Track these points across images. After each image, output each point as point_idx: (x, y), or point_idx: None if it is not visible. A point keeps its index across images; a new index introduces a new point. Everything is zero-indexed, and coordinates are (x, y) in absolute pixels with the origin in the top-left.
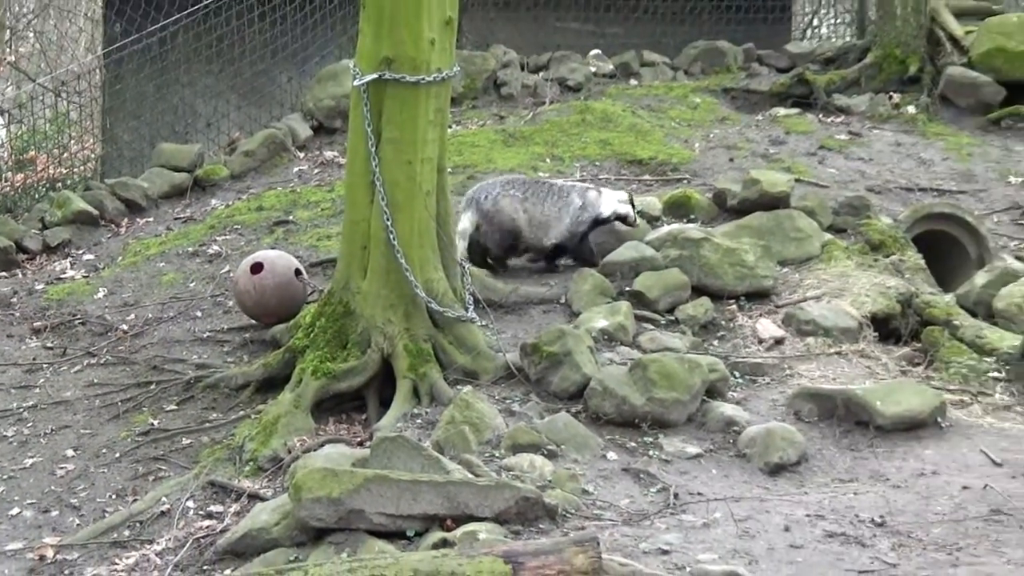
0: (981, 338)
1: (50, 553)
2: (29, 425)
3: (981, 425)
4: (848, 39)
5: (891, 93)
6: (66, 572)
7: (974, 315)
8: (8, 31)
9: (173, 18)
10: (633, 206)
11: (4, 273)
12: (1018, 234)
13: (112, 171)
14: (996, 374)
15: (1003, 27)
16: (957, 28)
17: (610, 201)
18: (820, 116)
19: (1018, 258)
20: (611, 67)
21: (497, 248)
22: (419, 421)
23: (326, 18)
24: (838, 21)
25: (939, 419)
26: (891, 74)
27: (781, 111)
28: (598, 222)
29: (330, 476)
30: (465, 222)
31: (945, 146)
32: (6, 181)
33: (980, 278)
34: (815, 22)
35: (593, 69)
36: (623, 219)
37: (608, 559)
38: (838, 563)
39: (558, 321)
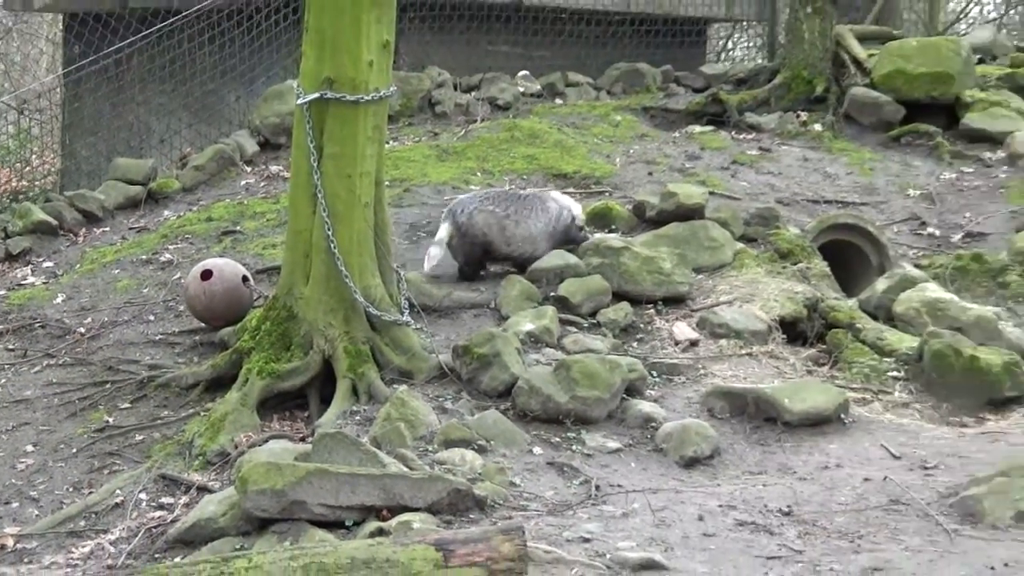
0: (881, 340)
1: (10, 542)
2: None
3: (881, 421)
4: (759, 61)
5: (799, 112)
6: (25, 560)
7: (875, 319)
8: None
9: (128, 41)
10: (578, 226)
11: None
12: (916, 243)
13: (71, 184)
14: (895, 374)
15: (903, 51)
16: (860, 51)
17: (576, 205)
18: (733, 133)
19: (916, 266)
20: (538, 87)
21: (465, 259)
22: (357, 418)
23: (272, 41)
24: (750, 45)
25: (842, 416)
26: (799, 94)
27: (696, 128)
28: (575, 222)
29: (274, 469)
30: (442, 232)
31: (849, 161)
32: None
33: (881, 284)
34: (728, 45)
35: (521, 89)
36: (581, 228)
37: (533, 547)
38: (748, 550)
39: (488, 325)
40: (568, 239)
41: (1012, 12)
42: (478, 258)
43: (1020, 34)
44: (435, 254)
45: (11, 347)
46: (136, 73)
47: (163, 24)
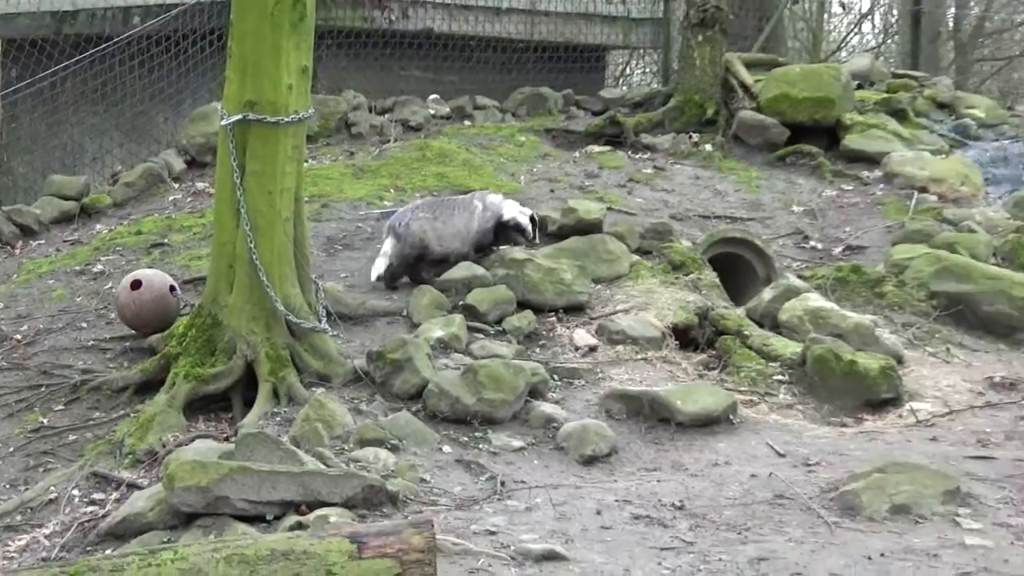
0: (767, 346)
1: None
2: None
3: (767, 421)
4: (654, 86)
5: (691, 133)
6: None
7: (761, 326)
8: None
9: (63, 65)
10: (535, 225)
11: None
12: (800, 256)
13: (8, 199)
14: (780, 377)
15: (787, 77)
16: (748, 77)
17: (512, 207)
18: (629, 153)
19: (800, 277)
20: (448, 110)
21: (408, 266)
22: (278, 419)
23: (198, 66)
24: (646, 70)
25: (731, 416)
26: (691, 116)
27: (595, 148)
28: (501, 223)
29: (199, 467)
30: (386, 246)
31: (737, 179)
32: None
33: (767, 294)
34: (626, 71)
35: (432, 111)
36: (521, 230)
37: (442, 539)
38: (643, 541)
39: (400, 331)
40: (499, 237)
41: (889, 41)
42: (419, 262)
43: (896, 62)
44: (380, 265)
45: None
46: (70, 95)
47: (96, 50)
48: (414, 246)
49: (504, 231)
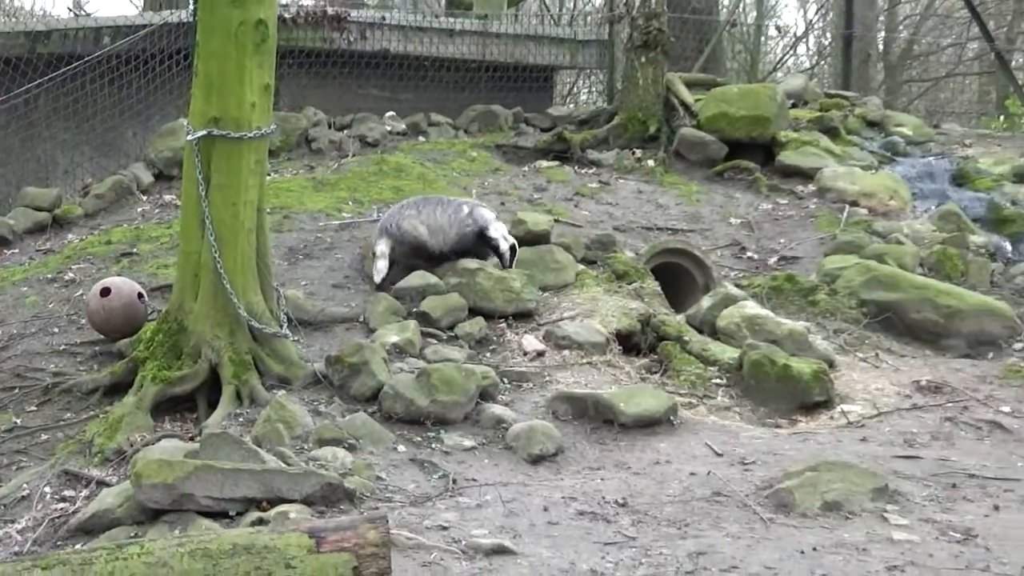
0: (706, 351)
1: None
2: None
3: (706, 423)
4: (600, 104)
5: (634, 149)
6: None
7: (700, 332)
8: None
9: (36, 83)
10: (513, 253)
11: None
12: (737, 265)
13: None
14: (718, 380)
15: (726, 96)
16: (688, 96)
17: (500, 228)
18: (576, 168)
19: (737, 285)
20: (403, 126)
21: (406, 260)
22: (241, 420)
23: (165, 84)
24: (592, 89)
25: (671, 418)
26: (634, 133)
27: (544, 164)
28: (483, 235)
29: (165, 465)
30: (382, 246)
31: (678, 193)
32: None
33: (706, 302)
34: (573, 90)
35: (388, 128)
36: (499, 253)
37: (396, 534)
38: (588, 536)
39: (357, 336)
40: (482, 245)
41: (822, 63)
42: (415, 254)
43: (829, 82)
44: (382, 267)
45: None
46: (43, 111)
47: (67, 68)
48: (410, 243)
49: (484, 245)
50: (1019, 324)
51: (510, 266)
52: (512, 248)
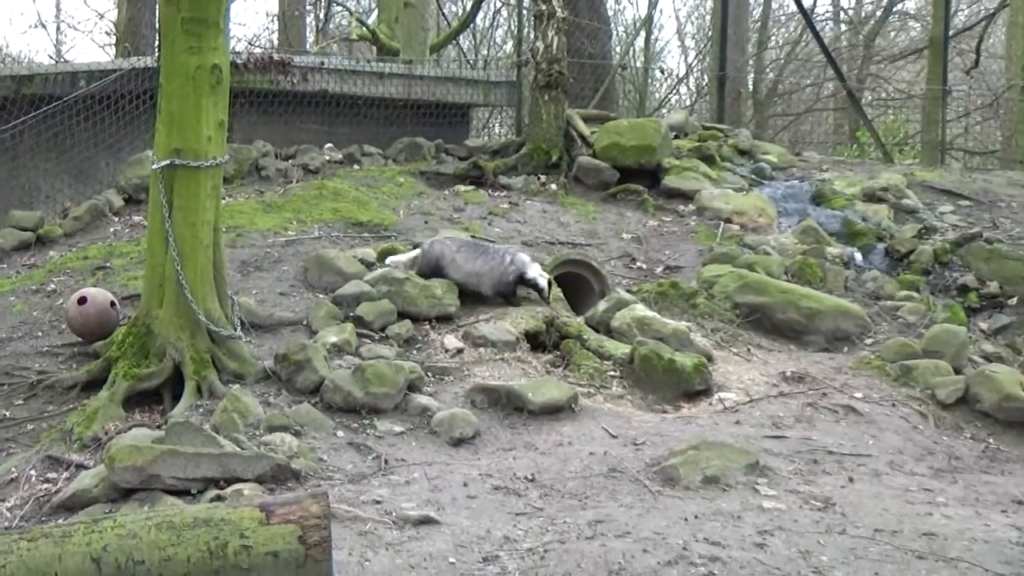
0: (602, 347)
1: None
2: None
3: (602, 409)
4: (509, 136)
5: (539, 175)
6: None
7: (597, 331)
8: None
9: (21, 120)
10: (549, 286)
11: None
12: (628, 274)
13: None
14: (612, 373)
15: (617, 129)
16: (585, 129)
17: (535, 269)
18: (489, 191)
19: (628, 291)
20: (340, 156)
21: (420, 272)
22: (201, 410)
23: (134, 120)
24: (503, 124)
25: (573, 405)
26: (539, 161)
27: (461, 188)
28: (523, 278)
29: (135, 450)
30: (413, 252)
31: (577, 212)
32: None
33: (602, 305)
34: (487, 124)
35: (327, 157)
36: (539, 290)
37: (336, 507)
38: (502, 508)
39: (301, 337)
40: (521, 286)
41: (700, 100)
42: (431, 275)
43: (706, 117)
44: (399, 261)
45: None
46: (27, 145)
47: (48, 107)
48: (428, 264)
49: (524, 286)
50: (869, 323)
51: (548, 298)
52: (549, 283)
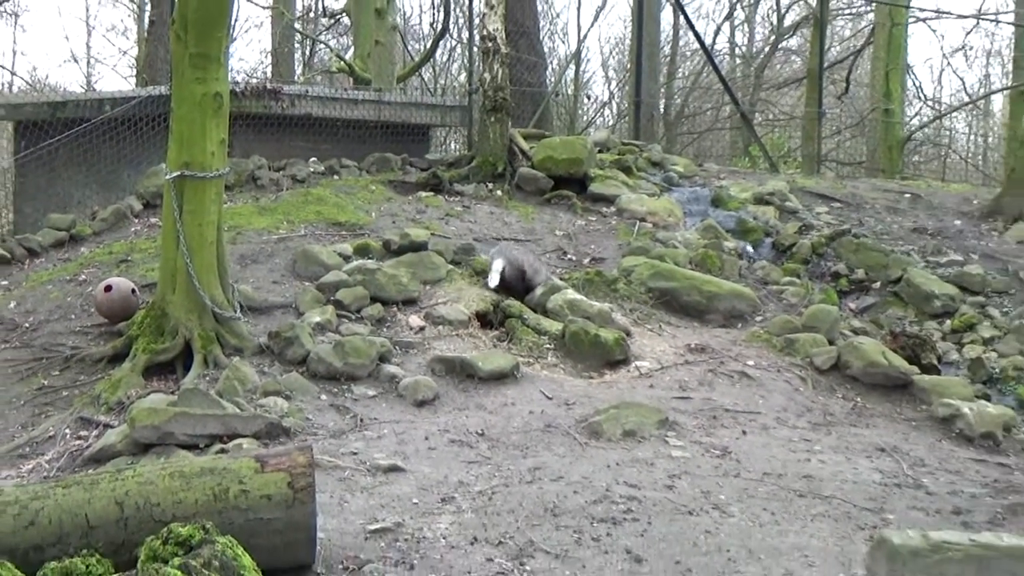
0: (539, 325)
1: None
2: None
3: (540, 376)
4: (463, 151)
5: (487, 183)
6: None
7: (535, 312)
8: None
9: (56, 138)
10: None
11: None
12: (561, 264)
13: (20, 231)
14: (548, 346)
15: (551, 144)
16: (525, 145)
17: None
18: (446, 197)
19: (561, 279)
20: (322, 168)
21: (514, 280)
22: (207, 379)
23: (150, 139)
24: (457, 140)
25: (515, 372)
26: (487, 172)
27: (423, 194)
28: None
29: (153, 412)
30: (497, 265)
31: (519, 214)
32: None
33: (539, 290)
34: (444, 141)
35: (312, 169)
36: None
37: (319, 457)
38: (457, 457)
39: (291, 318)
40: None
41: (620, 121)
42: (519, 278)
43: (625, 135)
44: (496, 272)
45: None
46: (62, 159)
47: (79, 128)
48: (518, 269)
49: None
50: (759, 303)
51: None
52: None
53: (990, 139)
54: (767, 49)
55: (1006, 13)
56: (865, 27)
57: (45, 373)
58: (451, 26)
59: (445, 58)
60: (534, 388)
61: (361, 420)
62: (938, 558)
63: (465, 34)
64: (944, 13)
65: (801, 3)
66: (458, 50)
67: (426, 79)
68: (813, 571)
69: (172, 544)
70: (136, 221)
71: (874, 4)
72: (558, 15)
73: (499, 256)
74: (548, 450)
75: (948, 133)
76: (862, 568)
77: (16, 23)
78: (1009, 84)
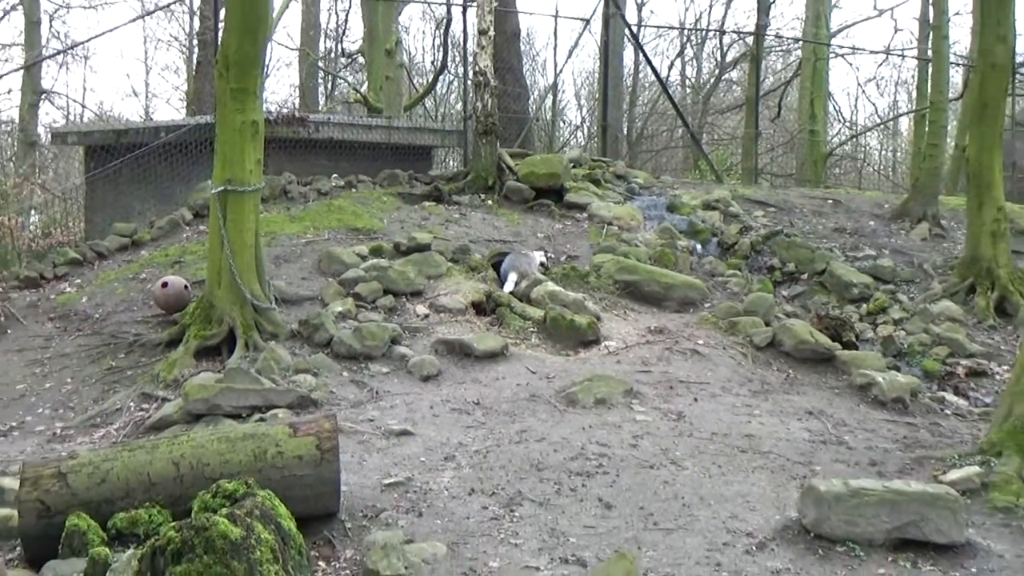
0: (524, 312)
1: (59, 431)
2: (46, 367)
3: (525, 354)
4: (460, 168)
5: (480, 194)
6: (66, 443)
7: (521, 301)
8: (37, 170)
9: (120, 160)
10: (545, 265)
11: (34, 289)
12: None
13: (90, 237)
14: (532, 329)
15: (533, 162)
16: (511, 162)
17: (540, 255)
18: (446, 206)
19: (542, 273)
20: (342, 183)
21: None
22: (248, 359)
23: (199, 160)
24: (455, 159)
25: (505, 351)
26: (480, 185)
27: (427, 204)
28: (542, 262)
29: (203, 387)
30: (513, 276)
31: (506, 220)
32: (38, 243)
33: (523, 282)
34: (445, 159)
35: (333, 184)
36: (546, 266)
37: (342, 424)
38: (457, 423)
39: (317, 308)
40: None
41: (591, 142)
42: (523, 279)
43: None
44: (511, 282)
45: (58, 326)
46: (125, 177)
47: (139, 150)
48: (524, 274)
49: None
50: (708, 292)
51: (548, 271)
52: (544, 262)
53: (898, 154)
54: (712, 80)
55: (910, 49)
56: (793, 61)
57: (112, 356)
58: (449, 64)
59: (444, 90)
60: (520, 365)
61: (376, 393)
62: (856, 502)
63: (460, 70)
64: (859, 49)
65: (740, 42)
66: (455, 84)
67: (428, 108)
68: (754, 514)
69: (220, 497)
70: (187, 229)
71: (801, 42)
72: (538, 53)
73: (512, 270)
74: (533, 416)
75: (863, 149)
76: (794, 511)
77: (86, 64)
78: (913, 108)
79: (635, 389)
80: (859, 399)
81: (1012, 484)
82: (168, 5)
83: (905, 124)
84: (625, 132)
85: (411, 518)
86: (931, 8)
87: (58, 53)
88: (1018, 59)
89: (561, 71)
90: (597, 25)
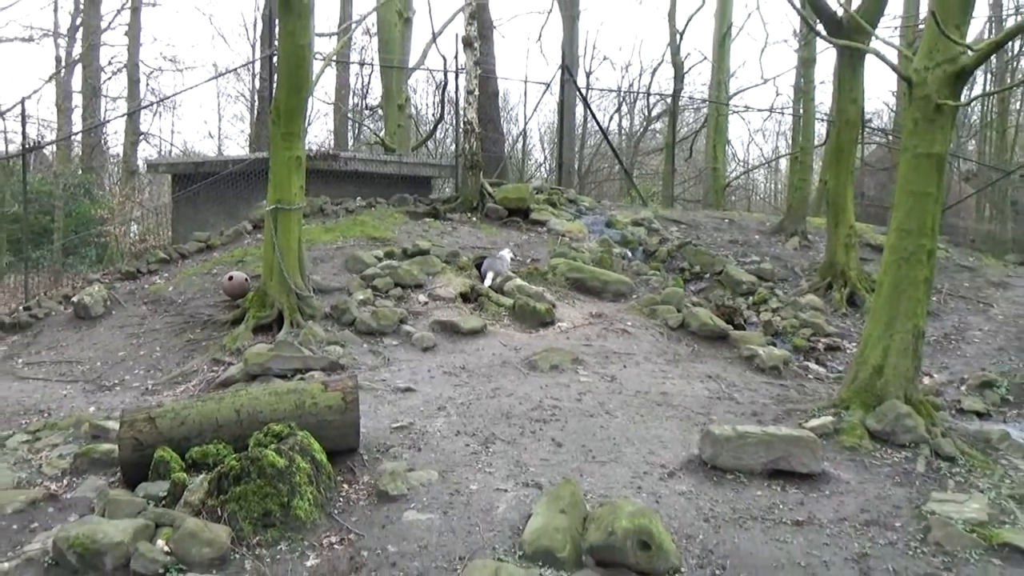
0: (499, 301)
1: (150, 387)
2: (141, 339)
3: (499, 332)
4: (453, 193)
5: (468, 213)
6: (154, 396)
7: (497, 292)
8: (136, 192)
9: (198, 184)
10: (514, 255)
11: (132, 280)
12: (513, 264)
13: (175, 243)
14: (504, 314)
15: (507, 189)
16: (491, 189)
17: (509, 252)
18: (442, 222)
19: (512, 272)
20: (365, 204)
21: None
22: (293, 334)
23: (258, 185)
24: (449, 186)
25: (484, 330)
26: (467, 206)
27: (428, 220)
28: (513, 257)
29: (258, 355)
30: (491, 274)
31: (487, 232)
32: (137, 246)
33: (499, 279)
34: (442, 186)
35: (358, 204)
36: (513, 257)
37: (362, 382)
38: (448, 382)
39: (344, 296)
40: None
41: (550, 175)
42: (497, 278)
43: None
44: (490, 278)
45: (150, 308)
46: (202, 198)
47: (213, 178)
48: (499, 273)
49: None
50: (634, 287)
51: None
52: (511, 256)
53: (777, 186)
54: (641, 130)
55: (787, 108)
56: (701, 116)
57: (191, 331)
58: (446, 115)
59: (442, 135)
60: (495, 340)
61: (388, 359)
62: (742, 442)
63: (454, 120)
64: (750, 108)
65: (662, 102)
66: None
67: (430, 148)
68: (667, 451)
69: (270, 436)
70: (248, 237)
71: (707, 102)
72: (512, 108)
73: (490, 269)
74: (504, 377)
75: (752, 182)
76: (696, 448)
77: (174, 113)
78: (788, 152)
79: (580, 358)
80: (745, 367)
81: (856, 430)
82: (235, 69)
83: (783, 164)
84: (576, 167)
85: (412, 452)
86: (802, 79)
87: (152, 104)
88: (866, 116)
89: (528, 121)
90: (556, 88)
